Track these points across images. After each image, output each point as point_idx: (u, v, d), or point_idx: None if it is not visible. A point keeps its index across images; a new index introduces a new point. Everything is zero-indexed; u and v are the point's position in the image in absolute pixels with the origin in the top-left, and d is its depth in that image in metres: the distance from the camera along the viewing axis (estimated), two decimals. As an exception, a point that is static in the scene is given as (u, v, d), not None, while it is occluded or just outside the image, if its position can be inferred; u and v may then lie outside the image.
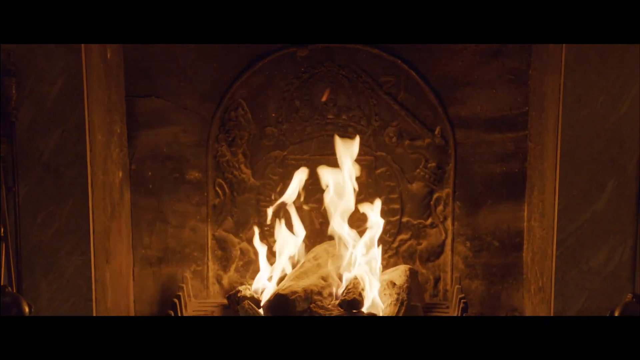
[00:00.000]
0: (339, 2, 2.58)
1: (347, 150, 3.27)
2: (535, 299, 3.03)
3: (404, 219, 3.29)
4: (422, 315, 3.02)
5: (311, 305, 2.91)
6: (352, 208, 3.24)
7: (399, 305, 2.91)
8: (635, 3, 2.50)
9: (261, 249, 3.27)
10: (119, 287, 3.08)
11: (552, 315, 2.88)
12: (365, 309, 2.90)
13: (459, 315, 2.92)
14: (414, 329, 2.43)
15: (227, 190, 3.29)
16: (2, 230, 2.61)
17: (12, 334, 2.30)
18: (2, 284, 2.55)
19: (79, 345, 2.30)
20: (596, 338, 2.32)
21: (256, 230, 3.31)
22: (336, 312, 2.88)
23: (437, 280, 3.32)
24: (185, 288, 3.15)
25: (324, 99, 3.21)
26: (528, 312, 3.17)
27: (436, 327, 2.49)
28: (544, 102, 2.95)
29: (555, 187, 2.79)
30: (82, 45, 2.68)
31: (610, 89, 2.68)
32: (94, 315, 2.80)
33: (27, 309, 2.42)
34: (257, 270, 3.32)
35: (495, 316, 2.85)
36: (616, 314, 2.49)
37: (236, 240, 3.32)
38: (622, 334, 2.33)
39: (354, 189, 3.22)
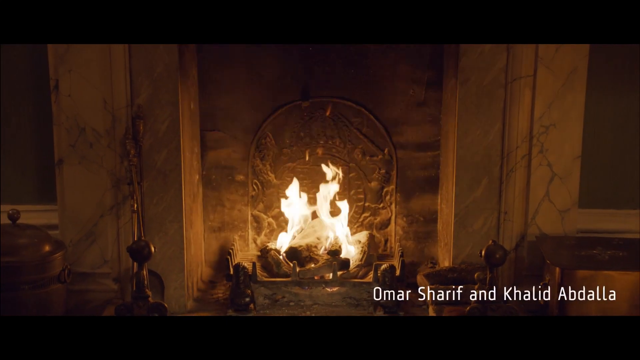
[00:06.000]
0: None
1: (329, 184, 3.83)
2: (443, 251, 3.77)
3: (366, 204, 3.98)
4: (376, 259, 3.68)
5: (310, 254, 3.64)
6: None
7: (362, 254, 3.65)
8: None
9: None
10: (196, 243, 3.76)
11: (451, 257, 3.49)
12: (342, 255, 3.62)
13: (399, 260, 3.42)
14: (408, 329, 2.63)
15: (259, 187, 3.95)
16: (135, 206, 3.36)
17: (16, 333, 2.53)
18: (136, 237, 3.33)
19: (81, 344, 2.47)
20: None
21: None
22: (325, 256, 3.57)
23: (386, 240, 4.01)
24: (235, 245, 3.76)
25: None
26: (440, 259, 3.85)
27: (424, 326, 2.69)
28: (448, 133, 3.61)
29: (453, 183, 3.49)
30: (179, 101, 3.35)
31: (483, 126, 3.41)
32: (185, 258, 3.42)
33: (153, 249, 3.07)
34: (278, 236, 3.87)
35: (490, 316, 3.00)
36: (483, 252, 2.98)
37: (265, 217, 3.99)
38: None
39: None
